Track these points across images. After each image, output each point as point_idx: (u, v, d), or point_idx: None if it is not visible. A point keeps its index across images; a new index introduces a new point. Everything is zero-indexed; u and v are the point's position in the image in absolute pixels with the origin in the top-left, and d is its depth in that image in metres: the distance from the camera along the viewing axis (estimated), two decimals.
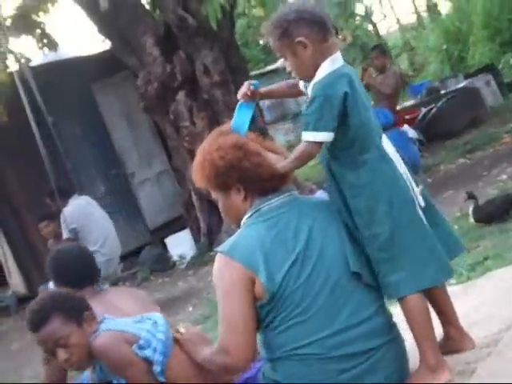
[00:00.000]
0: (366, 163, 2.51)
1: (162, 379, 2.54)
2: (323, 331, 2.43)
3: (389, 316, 2.60)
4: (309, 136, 2.47)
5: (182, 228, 9.92)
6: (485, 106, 11.56)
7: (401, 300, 2.55)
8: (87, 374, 2.80)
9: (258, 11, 10.17)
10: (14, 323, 9.59)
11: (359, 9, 29.22)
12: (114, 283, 6.51)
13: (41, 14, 10.68)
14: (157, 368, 2.52)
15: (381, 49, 9.15)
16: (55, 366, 3.15)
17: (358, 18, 29.08)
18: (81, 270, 3.15)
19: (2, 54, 8.73)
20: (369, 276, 2.53)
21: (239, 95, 2.70)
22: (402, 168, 2.60)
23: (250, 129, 2.62)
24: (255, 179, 2.55)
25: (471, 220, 5.32)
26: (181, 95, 9.35)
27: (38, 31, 10.72)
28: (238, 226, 2.63)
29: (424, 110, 10.70)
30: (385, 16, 34.49)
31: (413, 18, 29.74)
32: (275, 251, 2.46)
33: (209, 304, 6.08)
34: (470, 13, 17.36)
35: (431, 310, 2.64)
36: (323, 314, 2.44)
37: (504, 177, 6.76)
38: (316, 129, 2.44)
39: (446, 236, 2.67)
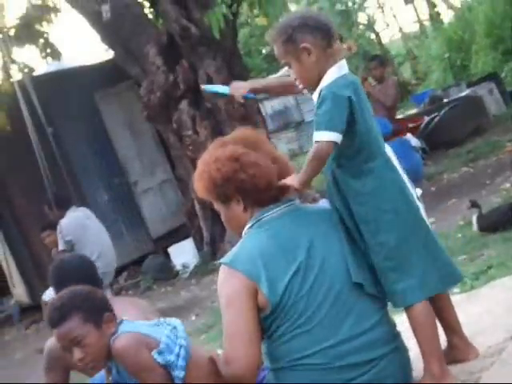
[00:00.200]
0: (372, 171, 2.51)
1: None
2: (327, 341, 2.42)
3: (392, 325, 2.59)
4: (322, 135, 2.42)
5: (185, 237, 9.91)
6: (488, 114, 11.55)
7: (407, 308, 2.54)
8: (101, 375, 2.80)
9: (260, 20, 10.23)
10: (17, 333, 9.59)
11: (362, 18, 29.31)
12: (117, 292, 6.51)
13: (44, 23, 10.74)
14: (180, 374, 2.51)
15: (380, 60, 9.26)
16: (57, 374, 3.15)
17: (360, 26, 29.16)
18: (82, 280, 3.14)
19: (5, 64, 8.75)
20: (371, 286, 2.52)
21: (233, 90, 2.87)
22: (404, 177, 2.61)
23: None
24: (252, 190, 2.55)
25: (475, 228, 5.31)
26: (184, 104, 9.35)
27: (42, 41, 10.79)
28: (241, 235, 2.63)
29: (427, 118, 10.69)
30: (387, 25, 34.69)
31: (415, 27, 29.82)
32: (276, 261, 2.46)
33: (212, 313, 6.07)
34: (473, 21, 17.40)
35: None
36: (326, 324, 2.43)
37: (507, 185, 6.74)
38: (328, 128, 2.42)
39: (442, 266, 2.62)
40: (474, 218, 5.30)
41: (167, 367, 2.49)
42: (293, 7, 20.93)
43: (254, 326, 2.43)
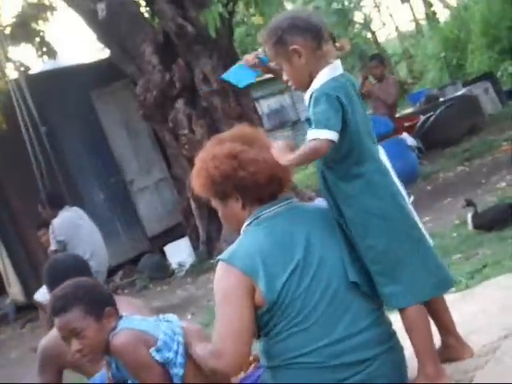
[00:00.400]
0: (362, 175, 2.48)
1: (178, 382, 2.51)
2: (322, 340, 2.42)
3: (388, 325, 2.59)
4: (322, 133, 2.37)
5: (181, 236, 9.91)
6: (483, 113, 11.57)
7: (400, 309, 2.54)
8: (101, 374, 2.80)
9: (256, 19, 10.22)
10: (12, 332, 9.58)
11: (358, 16, 29.35)
12: (113, 291, 6.51)
13: (40, 22, 10.72)
14: (179, 372, 2.51)
15: (379, 58, 9.29)
16: (51, 373, 3.16)
17: (356, 25, 29.18)
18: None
19: (1, 63, 8.73)
20: (367, 285, 2.52)
21: (244, 58, 2.70)
22: (397, 181, 2.57)
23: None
24: (252, 187, 2.54)
25: (470, 227, 5.31)
26: (180, 103, 9.35)
27: (38, 39, 10.76)
28: (239, 233, 2.63)
29: (423, 117, 10.70)
30: (384, 24, 34.72)
31: (411, 26, 29.90)
32: (274, 258, 2.45)
33: (208, 312, 6.07)
34: (469, 21, 17.43)
35: (429, 318, 2.62)
36: (323, 323, 2.43)
37: (503, 184, 6.76)
38: (327, 127, 2.37)
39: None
40: (469, 217, 5.31)
41: (166, 365, 2.50)
42: (289, 6, 20.94)
43: (247, 325, 2.43)
